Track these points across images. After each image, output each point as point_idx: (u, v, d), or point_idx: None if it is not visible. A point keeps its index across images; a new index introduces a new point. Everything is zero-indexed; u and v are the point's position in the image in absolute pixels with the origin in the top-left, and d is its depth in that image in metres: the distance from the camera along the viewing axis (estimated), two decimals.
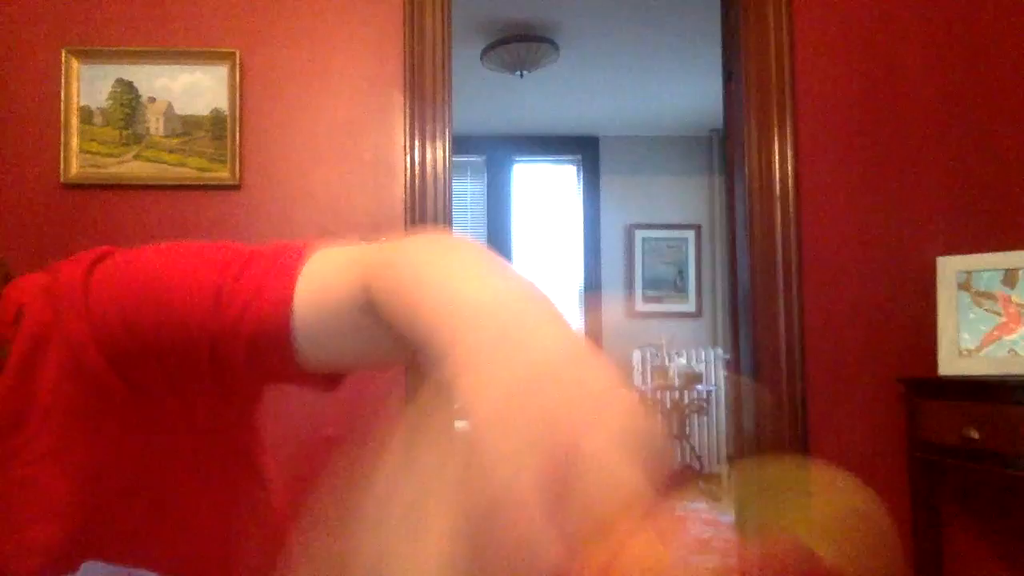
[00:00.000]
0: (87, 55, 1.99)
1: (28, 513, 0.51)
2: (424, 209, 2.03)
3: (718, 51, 2.51)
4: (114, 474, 0.52)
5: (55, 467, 0.51)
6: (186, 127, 1.99)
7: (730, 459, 5.04)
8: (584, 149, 5.67)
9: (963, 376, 1.92)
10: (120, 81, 1.99)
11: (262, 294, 0.48)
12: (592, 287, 5.60)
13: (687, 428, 5.09)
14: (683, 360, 5.09)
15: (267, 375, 0.52)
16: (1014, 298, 1.91)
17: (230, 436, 0.58)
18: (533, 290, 0.36)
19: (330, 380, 0.53)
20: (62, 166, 1.96)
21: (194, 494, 0.56)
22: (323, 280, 0.49)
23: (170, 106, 1.99)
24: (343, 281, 0.47)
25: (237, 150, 2.00)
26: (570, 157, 5.71)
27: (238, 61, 2.00)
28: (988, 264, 1.95)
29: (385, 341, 0.46)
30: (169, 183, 1.99)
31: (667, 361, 5.05)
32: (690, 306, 5.59)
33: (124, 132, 1.98)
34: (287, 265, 0.49)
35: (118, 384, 0.50)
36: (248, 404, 0.58)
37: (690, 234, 5.62)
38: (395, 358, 0.52)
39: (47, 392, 0.50)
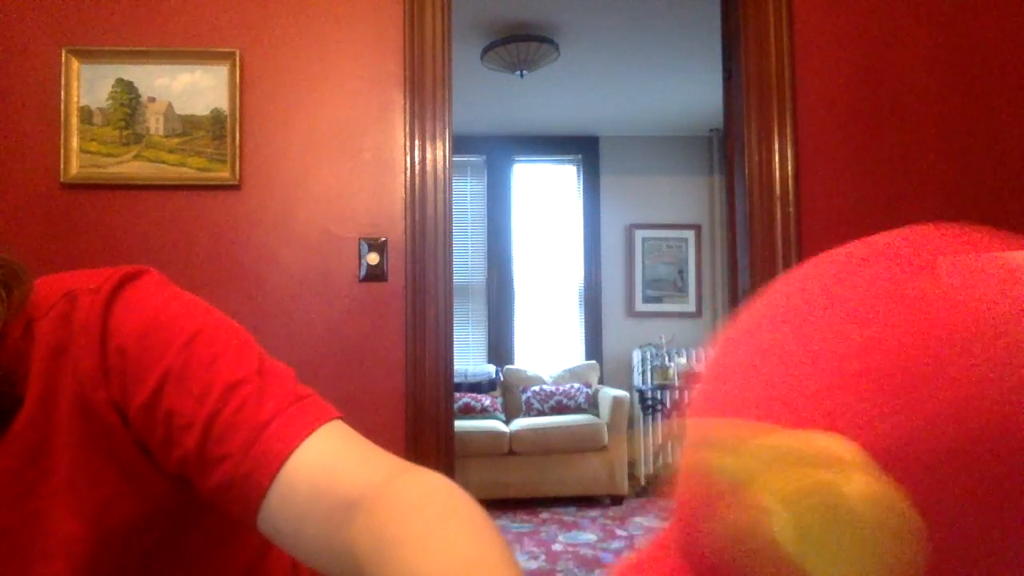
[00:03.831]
0: (87, 55, 1.99)
1: (38, 549, 0.50)
2: (424, 209, 2.03)
3: (718, 51, 2.50)
4: (120, 512, 0.51)
5: (66, 503, 0.50)
6: (186, 127, 1.99)
7: None
8: (584, 149, 5.67)
9: None
10: (120, 81, 1.99)
11: (246, 459, 0.47)
12: (592, 287, 5.60)
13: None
14: (683, 360, 5.09)
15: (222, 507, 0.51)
16: None
17: None
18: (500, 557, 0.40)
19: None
20: (62, 166, 1.96)
21: (193, 528, 0.56)
22: (310, 488, 0.47)
23: (170, 106, 1.99)
24: (321, 522, 0.46)
25: (237, 150, 2.00)
26: (570, 157, 5.71)
27: (238, 61, 2.00)
28: None
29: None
30: (169, 183, 1.99)
31: (667, 361, 5.05)
32: (690, 306, 5.59)
33: (124, 132, 1.98)
34: (283, 436, 0.48)
35: (120, 427, 0.49)
36: None
37: (690, 234, 5.62)
38: None
39: (63, 426, 0.50)
